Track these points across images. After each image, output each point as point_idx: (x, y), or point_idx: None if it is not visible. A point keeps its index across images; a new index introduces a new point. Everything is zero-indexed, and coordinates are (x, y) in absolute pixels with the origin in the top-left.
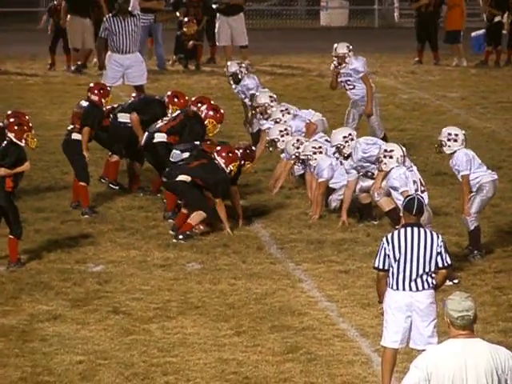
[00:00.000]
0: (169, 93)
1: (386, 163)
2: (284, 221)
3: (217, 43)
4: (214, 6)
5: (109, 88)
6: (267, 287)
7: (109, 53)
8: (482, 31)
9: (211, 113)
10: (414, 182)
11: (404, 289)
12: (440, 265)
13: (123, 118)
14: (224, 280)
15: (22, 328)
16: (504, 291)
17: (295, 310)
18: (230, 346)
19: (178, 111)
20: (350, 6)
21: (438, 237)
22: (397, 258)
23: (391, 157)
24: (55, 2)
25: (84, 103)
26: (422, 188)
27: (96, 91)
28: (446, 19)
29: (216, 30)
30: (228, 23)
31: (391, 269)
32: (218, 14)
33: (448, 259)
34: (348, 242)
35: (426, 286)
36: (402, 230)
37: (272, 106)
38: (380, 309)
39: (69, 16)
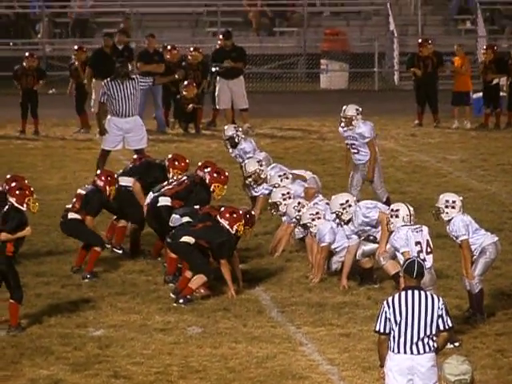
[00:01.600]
0: (169, 156)
1: (392, 222)
2: (285, 284)
3: (217, 106)
4: (213, 70)
5: (115, 177)
6: (268, 351)
7: (108, 117)
8: (481, 94)
9: (215, 175)
10: (418, 243)
11: (405, 352)
12: (441, 327)
13: (124, 181)
14: (225, 344)
15: None
16: (505, 354)
17: (296, 374)
18: None
19: (184, 177)
20: (350, 69)
21: (438, 300)
22: (397, 322)
23: (397, 216)
24: (75, 63)
25: (89, 187)
26: (429, 249)
27: (103, 178)
28: (454, 81)
29: (216, 94)
30: (228, 86)
31: (392, 332)
32: (218, 78)
33: (449, 322)
34: (349, 305)
35: (427, 349)
36: (403, 294)
37: (263, 170)
38: (382, 373)
39: (94, 80)
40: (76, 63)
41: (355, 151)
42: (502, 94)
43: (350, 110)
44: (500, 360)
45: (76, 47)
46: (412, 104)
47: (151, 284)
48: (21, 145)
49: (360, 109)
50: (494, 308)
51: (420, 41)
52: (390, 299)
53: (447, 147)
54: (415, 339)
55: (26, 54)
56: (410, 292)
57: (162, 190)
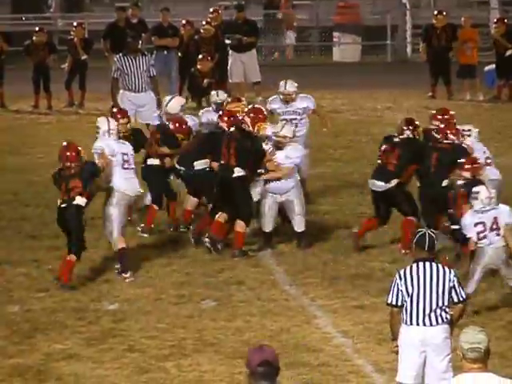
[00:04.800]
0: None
1: (473, 204)
2: (298, 257)
3: (229, 80)
4: (226, 42)
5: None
6: (282, 324)
7: (121, 91)
8: (494, 65)
9: (252, 115)
10: (480, 223)
11: (418, 324)
12: (456, 300)
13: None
14: (239, 317)
15: (38, 367)
16: None
17: (310, 347)
18: (245, 383)
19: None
20: (363, 42)
21: (450, 271)
22: (410, 293)
23: (477, 198)
24: (74, 39)
25: None
26: (494, 227)
27: None
28: (460, 53)
29: (229, 67)
30: (240, 60)
31: (405, 304)
32: (230, 51)
33: (463, 293)
34: (362, 277)
35: (439, 320)
36: (414, 265)
37: None
38: (394, 346)
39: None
40: (75, 39)
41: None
42: None
43: (291, 86)
44: None
45: (75, 23)
46: (425, 76)
47: (165, 258)
48: (34, 119)
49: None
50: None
51: (436, 12)
52: (401, 271)
53: (460, 119)
54: (427, 310)
55: (36, 28)
56: (421, 264)
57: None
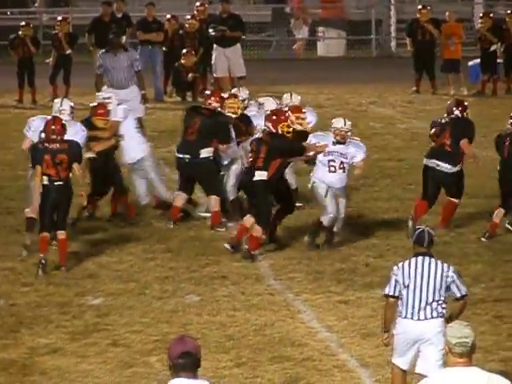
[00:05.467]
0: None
1: None
2: (283, 251)
3: (214, 74)
4: (210, 31)
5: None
6: (266, 318)
7: (104, 87)
8: (478, 60)
9: (274, 118)
10: None
11: (413, 317)
12: (458, 295)
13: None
14: (223, 311)
15: (22, 362)
16: (504, 320)
17: (295, 341)
18: (229, 377)
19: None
20: (348, 36)
21: (449, 268)
22: (406, 285)
23: None
24: (59, 34)
25: None
26: None
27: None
28: (444, 48)
29: (213, 62)
30: (225, 54)
31: (401, 296)
32: (214, 46)
33: (464, 289)
34: (347, 272)
35: (435, 314)
36: (413, 259)
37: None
38: (384, 338)
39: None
40: (60, 34)
41: None
42: (498, 60)
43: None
44: (499, 326)
45: (60, 18)
46: (409, 71)
47: (149, 252)
48: (18, 114)
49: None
50: (492, 274)
51: (420, 7)
52: (400, 263)
53: (444, 114)
54: (423, 304)
55: (22, 23)
56: (420, 257)
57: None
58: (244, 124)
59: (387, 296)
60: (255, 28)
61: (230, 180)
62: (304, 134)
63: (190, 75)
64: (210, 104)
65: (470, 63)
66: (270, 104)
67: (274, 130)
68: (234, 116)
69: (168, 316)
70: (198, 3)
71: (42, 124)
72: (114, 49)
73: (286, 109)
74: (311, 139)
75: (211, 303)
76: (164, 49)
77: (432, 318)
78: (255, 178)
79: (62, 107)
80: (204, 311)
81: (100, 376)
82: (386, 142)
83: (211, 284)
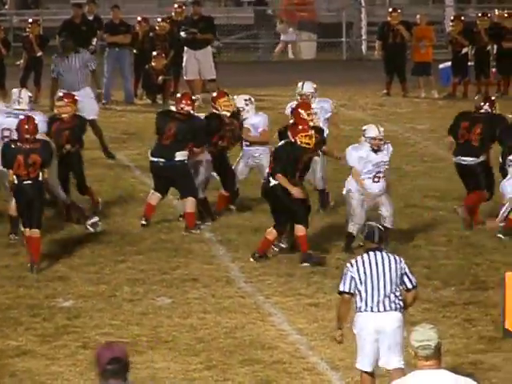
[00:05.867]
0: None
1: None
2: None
3: (184, 77)
4: (181, 33)
5: None
6: (237, 321)
7: (59, 90)
8: (449, 63)
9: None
10: None
11: (372, 310)
12: (409, 286)
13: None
14: (194, 314)
15: None
16: (473, 323)
17: (265, 344)
18: (200, 380)
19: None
20: (318, 39)
21: (400, 260)
22: (362, 281)
23: None
24: (29, 36)
25: None
26: None
27: None
28: (414, 51)
29: (183, 64)
30: (195, 57)
31: (359, 292)
32: (185, 48)
33: (414, 280)
34: (317, 274)
35: (393, 307)
36: (365, 255)
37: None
38: (339, 335)
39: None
40: (30, 36)
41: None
42: (469, 63)
43: (239, 101)
44: (468, 329)
45: (30, 20)
46: (380, 74)
47: (119, 255)
48: None
49: (249, 98)
50: (462, 277)
51: (390, 9)
52: (352, 260)
53: (415, 117)
54: (381, 297)
55: None
56: (371, 253)
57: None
58: (237, 121)
59: (342, 293)
60: (226, 31)
61: (199, 179)
62: (318, 130)
63: (161, 78)
64: (182, 108)
65: (441, 66)
66: (240, 101)
67: (292, 140)
68: (228, 114)
69: (138, 318)
70: (176, 5)
71: (5, 121)
72: (65, 52)
73: (298, 98)
74: (351, 152)
75: (182, 306)
76: (134, 51)
77: (391, 309)
78: (271, 184)
79: (20, 96)
80: (175, 314)
81: (70, 378)
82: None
83: (182, 286)
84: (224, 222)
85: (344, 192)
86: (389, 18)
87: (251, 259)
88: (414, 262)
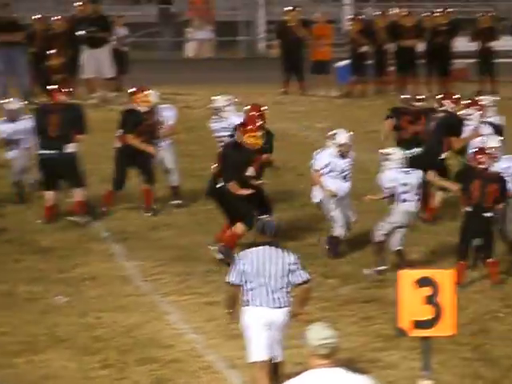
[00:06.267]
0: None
1: (384, 165)
2: (151, 253)
3: (82, 75)
4: (79, 32)
5: None
6: (134, 320)
7: None
8: (347, 61)
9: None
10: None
11: (262, 305)
12: (300, 281)
13: None
14: (91, 313)
15: None
16: (372, 321)
17: (162, 343)
18: (97, 379)
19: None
20: (216, 37)
21: (289, 254)
22: (251, 274)
23: (387, 159)
24: None
25: None
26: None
27: None
28: (313, 50)
29: (81, 62)
30: (93, 55)
31: (247, 285)
32: (83, 46)
33: (304, 274)
34: (214, 273)
35: (282, 302)
36: (255, 249)
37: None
38: (229, 323)
39: None
40: None
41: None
42: (368, 62)
43: (219, 101)
44: (366, 327)
45: None
46: (278, 72)
47: (18, 253)
48: None
49: (230, 98)
50: (359, 275)
51: (289, 8)
52: (242, 252)
53: (314, 115)
54: (270, 292)
55: None
56: (263, 247)
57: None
58: (154, 116)
59: (230, 284)
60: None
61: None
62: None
63: (57, 76)
64: (59, 99)
65: (340, 64)
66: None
67: (239, 140)
68: (145, 109)
69: (36, 317)
70: (79, 2)
71: None
72: None
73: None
74: (318, 157)
75: (80, 304)
76: (32, 49)
77: (279, 304)
78: (218, 185)
79: None
80: (72, 313)
81: None
82: None
83: (80, 285)
84: (122, 220)
85: (316, 201)
86: (287, 17)
87: (218, 256)
88: (313, 261)
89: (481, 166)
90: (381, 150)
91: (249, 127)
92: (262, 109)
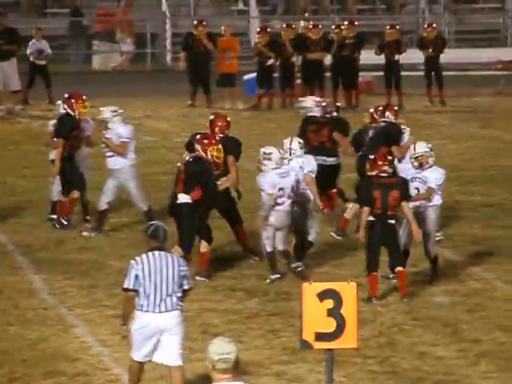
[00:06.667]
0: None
1: (265, 165)
2: (57, 266)
3: None
4: None
5: None
6: (40, 333)
7: None
8: (254, 74)
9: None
10: (281, 188)
11: (154, 310)
12: (186, 287)
13: None
14: None
15: None
16: (278, 334)
17: (68, 356)
18: None
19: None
20: (123, 50)
21: (180, 260)
22: (145, 279)
23: (270, 159)
24: None
25: None
26: (291, 195)
27: None
28: (219, 62)
29: None
30: (0, 68)
31: (141, 290)
32: None
33: (191, 282)
34: (120, 286)
35: (174, 305)
36: (150, 253)
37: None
38: (125, 330)
39: None
40: None
41: (110, 155)
42: (275, 74)
43: (106, 112)
44: (273, 340)
45: None
46: (185, 85)
47: None
48: None
49: (116, 109)
50: (266, 288)
51: (195, 22)
52: (137, 258)
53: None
54: (163, 296)
55: None
56: (156, 252)
57: None
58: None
59: (127, 290)
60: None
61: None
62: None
63: None
64: None
65: (246, 77)
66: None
67: (203, 154)
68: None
69: None
70: None
71: None
72: None
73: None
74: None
75: None
76: None
77: (172, 309)
78: (178, 202)
79: None
80: None
81: None
82: (161, 156)
83: None
84: (28, 233)
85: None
86: (194, 30)
87: (197, 278)
88: (221, 274)
89: (382, 174)
90: (263, 149)
91: (209, 141)
92: (227, 119)
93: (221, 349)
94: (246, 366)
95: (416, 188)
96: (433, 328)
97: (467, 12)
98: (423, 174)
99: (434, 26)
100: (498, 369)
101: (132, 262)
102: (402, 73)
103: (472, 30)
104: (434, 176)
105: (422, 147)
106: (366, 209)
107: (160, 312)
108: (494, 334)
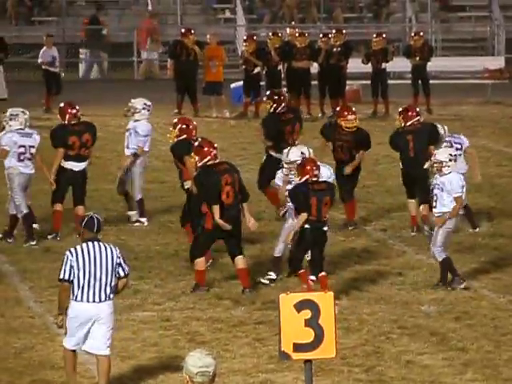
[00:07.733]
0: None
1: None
2: (43, 274)
3: None
4: None
5: None
6: (26, 341)
7: None
8: (241, 83)
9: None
10: None
11: (88, 300)
12: (122, 274)
13: None
14: None
15: None
16: (264, 343)
17: (54, 364)
18: None
19: None
20: (109, 58)
21: (115, 249)
22: (81, 270)
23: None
24: None
25: None
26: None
27: None
28: (205, 71)
29: None
30: None
31: (77, 281)
32: None
33: (126, 269)
34: None
35: (109, 296)
36: (84, 245)
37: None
38: (60, 320)
39: None
40: None
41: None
42: (261, 82)
43: (138, 102)
44: (259, 348)
45: None
46: (171, 93)
47: None
48: None
49: (149, 104)
50: (253, 297)
51: (183, 30)
52: (72, 249)
53: (207, 136)
54: (98, 287)
55: None
56: (90, 243)
57: None
58: None
59: (62, 280)
60: (18, 50)
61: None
62: None
63: None
64: None
65: (233, 85)
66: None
67: (200, 164)
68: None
69: None
70: None
71: None
72: None
73: None
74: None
75: None
76: None
77: (106, 299)
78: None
79: None
80: None
81: None
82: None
83: None
84: (14, 241)
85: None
86: (182, 38)
87: (192, 291)
88: (208, 282)
89: (313, 179)
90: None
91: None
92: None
93: (200, 361)
94: (233, 374)
95: (435, 195)
96: (419, 336)
97: (454, 20)
98: (440, 179)
99: (421, 34)
100: (484, 377)
101: (67, 253)
102: (389, 81)
103: (459, 38)
104: (456, 183)
105: (442, 155)
106: (304, 215)
107: (94, 301)
108: (480, 343)
